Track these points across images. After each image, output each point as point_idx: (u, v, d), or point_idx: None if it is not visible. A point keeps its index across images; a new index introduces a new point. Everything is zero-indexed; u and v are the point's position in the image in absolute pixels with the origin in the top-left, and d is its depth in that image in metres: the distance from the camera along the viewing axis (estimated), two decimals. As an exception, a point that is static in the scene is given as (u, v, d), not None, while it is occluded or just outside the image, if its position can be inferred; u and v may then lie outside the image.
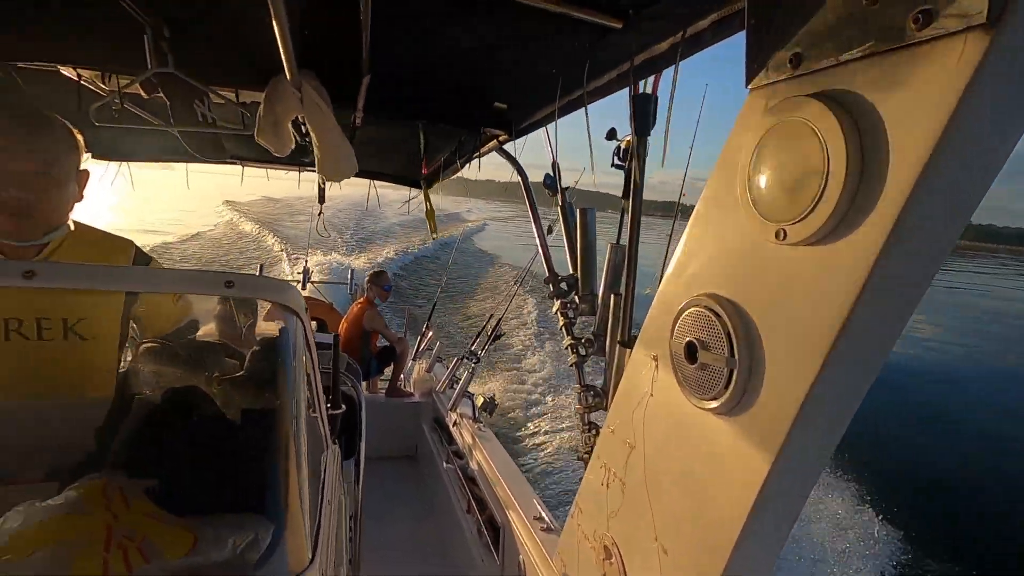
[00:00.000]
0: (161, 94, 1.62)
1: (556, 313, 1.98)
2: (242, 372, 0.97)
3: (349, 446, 2.72)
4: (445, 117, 2.08)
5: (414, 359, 5.43)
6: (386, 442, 4.56)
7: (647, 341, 1.21)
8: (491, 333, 3.94)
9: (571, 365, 1.88)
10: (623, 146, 1.71)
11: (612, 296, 1.71)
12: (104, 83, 1.72)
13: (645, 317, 1.75)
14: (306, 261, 6.33)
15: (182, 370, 1.01)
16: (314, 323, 4.79)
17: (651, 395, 1.17)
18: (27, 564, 0.66)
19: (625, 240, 1.65)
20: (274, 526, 0.79)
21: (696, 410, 1.01)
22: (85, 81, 1.73)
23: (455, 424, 3.71)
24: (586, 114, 1.53)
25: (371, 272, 5.47)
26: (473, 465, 3.16)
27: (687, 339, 1.02)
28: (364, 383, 5.34)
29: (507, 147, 2.44)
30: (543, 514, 2.26)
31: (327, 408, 1.43)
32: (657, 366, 1.16)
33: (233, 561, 0.75)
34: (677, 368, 1.07)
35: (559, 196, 2.01)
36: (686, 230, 1.10)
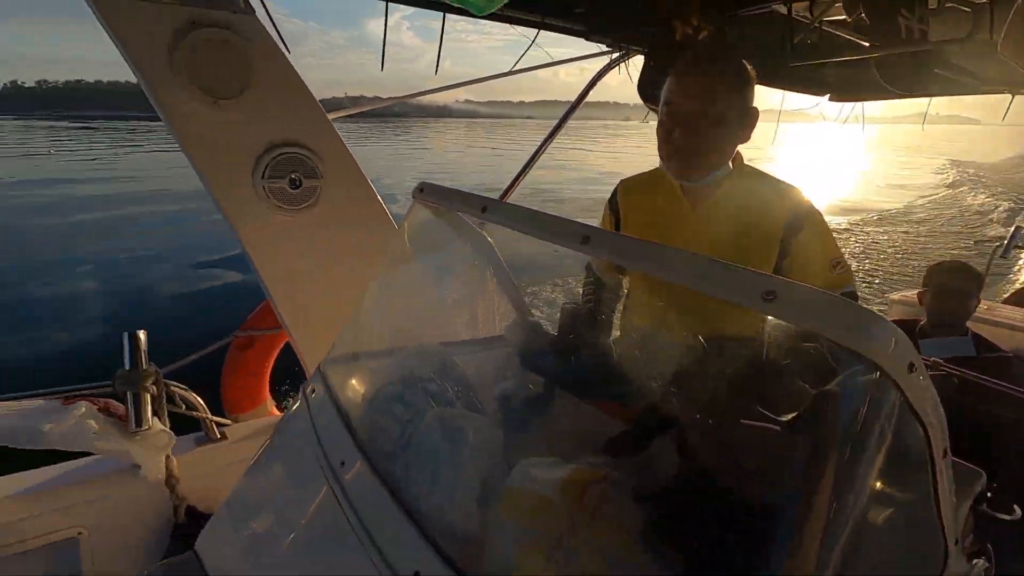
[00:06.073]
0: (861, 12, 1.28)
1: None
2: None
3: None
4: None
5: None
6: None
7: None
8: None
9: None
10: None
11: None
12: (811, 13, 1.55)
13: None
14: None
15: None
16: None
17: None
18: (500, 525, 0.73)
19: None
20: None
21: None
22: (796, 15, 1.59)
23: None
24: None
25: None
26: None
27: None
28: None
29: None
30: None
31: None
32: None
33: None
34: None
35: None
36: None
